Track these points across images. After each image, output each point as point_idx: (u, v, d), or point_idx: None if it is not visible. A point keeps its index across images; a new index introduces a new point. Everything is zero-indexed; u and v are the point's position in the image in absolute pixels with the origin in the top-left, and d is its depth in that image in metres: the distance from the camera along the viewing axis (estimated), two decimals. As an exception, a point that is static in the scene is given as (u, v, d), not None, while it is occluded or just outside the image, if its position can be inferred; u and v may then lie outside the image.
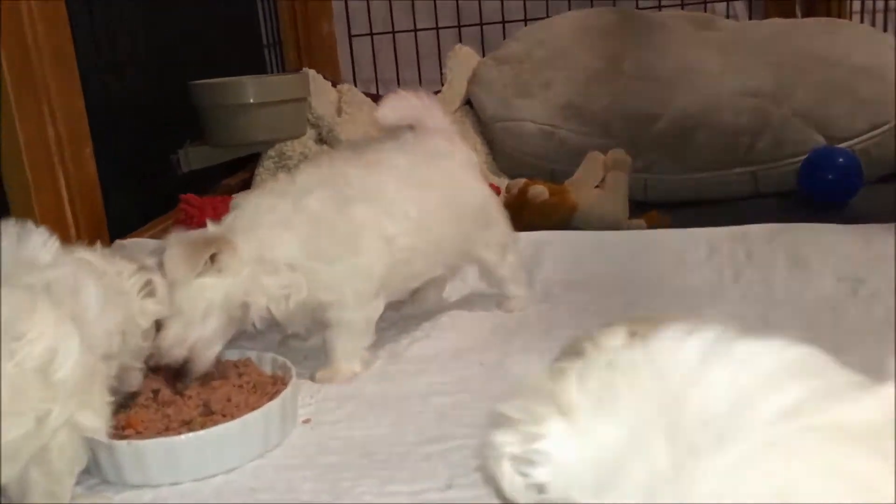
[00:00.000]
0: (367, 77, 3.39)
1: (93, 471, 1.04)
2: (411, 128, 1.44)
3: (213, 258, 1.17)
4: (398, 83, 3.29)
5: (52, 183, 1.50)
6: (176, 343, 1.15)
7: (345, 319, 1.25)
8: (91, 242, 1.18)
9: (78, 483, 1.02)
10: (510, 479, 0.59)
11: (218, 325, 1.19)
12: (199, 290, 1.16)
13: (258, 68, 2.87)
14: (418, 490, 0.96)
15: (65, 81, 1.57)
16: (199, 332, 1.17)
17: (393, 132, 1.45)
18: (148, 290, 1.04)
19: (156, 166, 2.04)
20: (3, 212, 1.42)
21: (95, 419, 0.89)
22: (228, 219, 1.24)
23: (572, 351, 0.65)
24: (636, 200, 2.12)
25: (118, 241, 1.67)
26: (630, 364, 0.53)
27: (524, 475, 0.56)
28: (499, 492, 0.62)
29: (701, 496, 0.44)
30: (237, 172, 2.41)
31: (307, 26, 3.22)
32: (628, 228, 1.93)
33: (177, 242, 1.16)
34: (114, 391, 1.01)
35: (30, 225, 0.93)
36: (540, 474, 0.54)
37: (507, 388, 0.95)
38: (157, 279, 1.06)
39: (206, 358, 1.19)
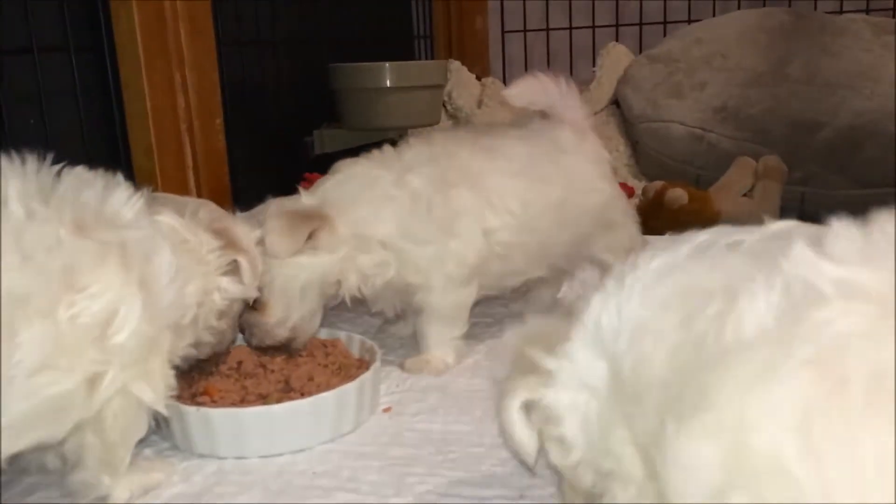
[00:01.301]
0: (517, 74, 3.29)
1: (166, 435, 1.02)
2: (543, 115, 1.35)
3: (311, 235, 1.13)
4: (549, 82, 3.20)
5: (177, 150, 1.52)
6: (279, 323, 1.13)
7: (432, 304, 1.18)
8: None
9: (149, 446, 1.01)
10: (520, 429, 0.66)
11: (316, 302, 1.16)
12: (297, 270, 1.13)
13: (407, 59, 2.85)
14: (487, 497, 0.87)
15: (201, 53, 1.59)
16: (300, 312, 1.14)
17: (521, 119, 1.36)
18: (230, 269, 0.99)
19: (289, 145, 2.05)
20: (128, 175, 1.44)
21: (151, 392, 0.84)
22: (326, 186, 1.18)
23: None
24: (789, 215, 1.93)
25: (239, 214, 1.67)
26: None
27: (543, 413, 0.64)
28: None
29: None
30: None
31: (460, 20, 3.19)
32: (776, 243, 1.74)
33: (275, 216, 1.11)
34: (186, 360, 0.99)
35: (118, 178, 0.89)
36: (549, 394, 0.63)
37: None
38: (244, 261, 1.00)
39: (308, 334, 1.17)
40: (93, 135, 1.38)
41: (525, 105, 1.35)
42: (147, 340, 0.82)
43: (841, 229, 0.49)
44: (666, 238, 0.63)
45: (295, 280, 1.12)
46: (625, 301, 0.60)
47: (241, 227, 1.05)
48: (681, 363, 0.53)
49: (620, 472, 0.60)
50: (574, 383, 0.62)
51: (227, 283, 0.99)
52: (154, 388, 0.85)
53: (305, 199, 1.16)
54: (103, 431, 0.83)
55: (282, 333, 1.14)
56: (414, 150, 1.22)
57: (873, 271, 0.45)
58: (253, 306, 1.11)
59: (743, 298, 0.49)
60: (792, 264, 0.48)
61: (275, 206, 1.14)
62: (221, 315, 1.01)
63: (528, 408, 0.66)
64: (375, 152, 1.23)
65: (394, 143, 1.42)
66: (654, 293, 0.58)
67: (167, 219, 0.93)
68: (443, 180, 1.17)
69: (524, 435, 0.67)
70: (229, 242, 0.99)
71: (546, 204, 1.22)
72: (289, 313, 1.13)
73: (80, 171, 0.85)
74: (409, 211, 1.15)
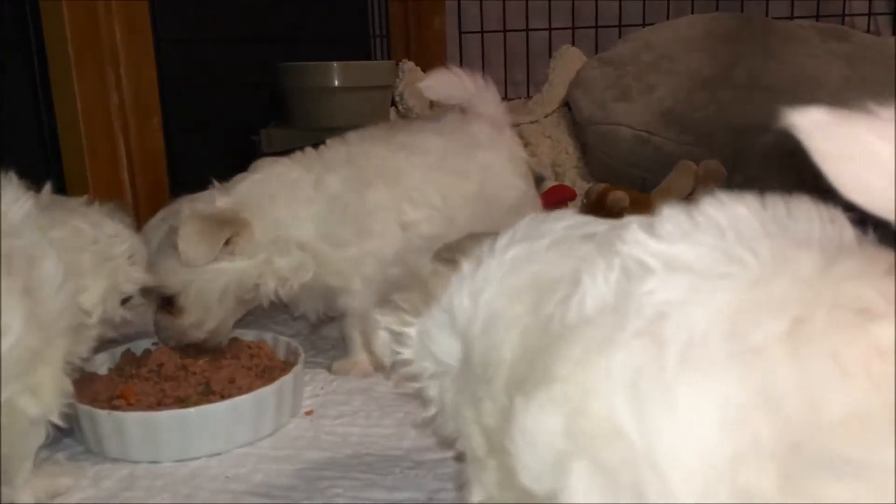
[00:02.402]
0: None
1: (80, 439, 1.01)
2: (462, 110, 1.35)
3: (228, 241, 1.11)
4: (506, 82, 3.22)
5: (110, 151, 1.50)
6: (194, 326, 1.13)
7: (356, 307, 1.18)
8: (152, 214, 1.17)
9: (62, 450, 1.00)
10: (382, 343, 0.75)
11: (233, 305, 1.16)
12: (215, 275, 1.12)
13: (364, 59, 2.85)
14: (397, 499, 0.87)
15: (137, 50, 1.57)
16: (217, 316, 1.14)
17: (437, 113, 1.37)
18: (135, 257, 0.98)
19: (236, 144, 2.04)
20: (59, 178, 1.42)
21: (37, 405, 0.81)
22: (243, 186, 1.16)
23: (447, 255, 0.77)
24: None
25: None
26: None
27: (395, 347, 0.74)
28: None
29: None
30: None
31: (418, 20, 3.18)
32: (715, 246, 1.76)
33: (189, 221, 1.08)
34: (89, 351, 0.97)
35: (10, 177, 0.84)
36: (406, 352, 0.72)
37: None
38: (138, 245, 0.99)
39: (224, 334, 1.17)
40: (21, 136, 1.35)
41: (440, 98, 1.36)
42: (31, 352, 0.79)
43: (669, 213, 0.52)
44: (527, 224, 0.67)
45: (212, 286, 1.11)
46: (480, 288, 0.63)
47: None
48: (529, 345, 0.56)
49: (472, 453, 0.64)
50: (431, 359, 0.68)
51: (136, 271, 0.97)
52: (43, 400, 0.82)
53: (220, 200, 1.13)
54: None
55: (197, 335, 1.14)
56: (332, 151, 1.22)
57: (692, 246, 0.48)
58: (167, 310, 1.11)
59: (585, 280, 0.52)
60: (627, 245, 0.51)
61: (188, 209, 1.11)
62: (129, 305, 0.99)
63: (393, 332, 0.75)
64: (298, 153, 1.22)
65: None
66: (509, 282, 0.61)
67: (74, 221, 0.91)
68: (359, 180, 1.17)
69: (385, 351, 0.76)
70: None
71: (463, 197, 1.23)
72: (205, 317, 1.12)
73: None
74: (327, 212, 1.15)
